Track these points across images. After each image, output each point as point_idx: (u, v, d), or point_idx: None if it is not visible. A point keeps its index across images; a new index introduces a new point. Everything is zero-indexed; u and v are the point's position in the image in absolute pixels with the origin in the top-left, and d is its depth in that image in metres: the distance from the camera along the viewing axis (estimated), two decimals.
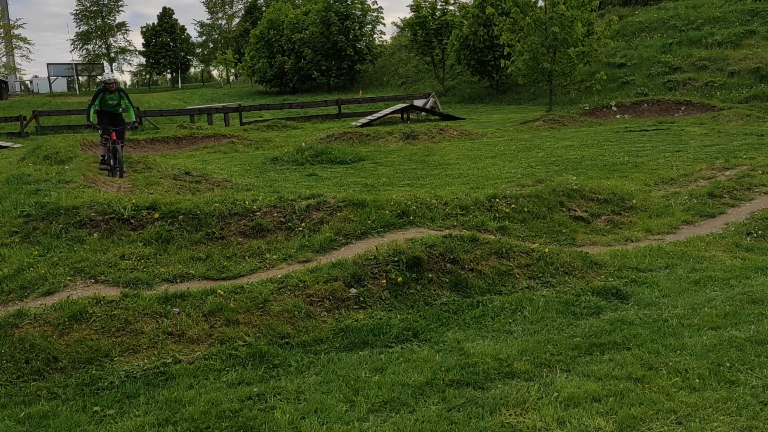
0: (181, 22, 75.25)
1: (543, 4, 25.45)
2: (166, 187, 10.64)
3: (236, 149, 18.35)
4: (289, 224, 6.95)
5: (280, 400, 3.92)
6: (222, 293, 5.24)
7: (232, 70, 69.52)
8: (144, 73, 76.77)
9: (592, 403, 3.67)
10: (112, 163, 11.69)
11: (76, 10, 73.44)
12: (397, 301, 5.43)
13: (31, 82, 67.13)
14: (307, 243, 6.54)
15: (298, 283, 5.47)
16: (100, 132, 11.60)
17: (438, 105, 28.14)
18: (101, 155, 12.01)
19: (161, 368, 4.44)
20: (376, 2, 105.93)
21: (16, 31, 62.96)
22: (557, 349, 4.45)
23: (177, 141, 19.69)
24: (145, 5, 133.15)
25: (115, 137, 11.47)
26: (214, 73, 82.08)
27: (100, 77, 73.33)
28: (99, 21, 72.72)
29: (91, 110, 11.31)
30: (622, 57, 30.85)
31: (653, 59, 29.64)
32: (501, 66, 29.38)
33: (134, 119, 12.07)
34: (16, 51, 63.73)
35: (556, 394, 3.78)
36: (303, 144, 16.72)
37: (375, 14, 49.84)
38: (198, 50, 78.18)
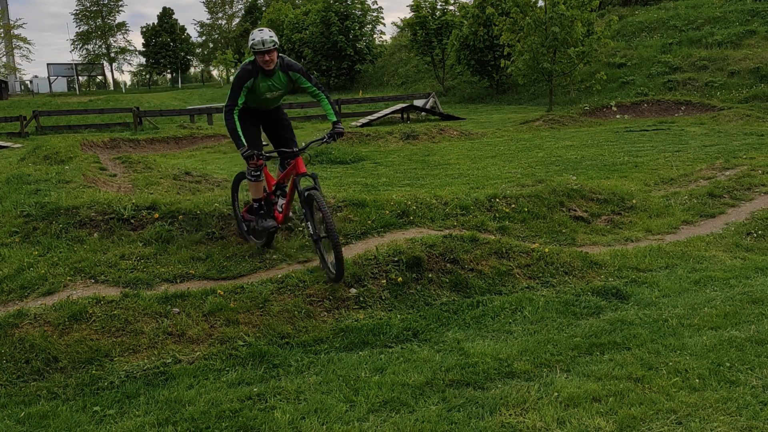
0: (181, 22, 75.33)
1: (543, 4, 25.45)
2: (166, 187, 10.63)
3: (236, 149, 18.32)
4: (289, 224, 6.94)
5: (280, 400, 3.92)
6: (222, 293, 5.24)
7: (232, 70, 69.51)
8: (144, 73, 76.76)
9: (592, 403, 3.67)
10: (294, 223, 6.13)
11: (76, 10, 73.53)
12: (397, 301, 5.43)
13: (31, 82, 67.12)
14: (306, 243, 6.54)
15: (298, 283, 5.48)
16: (250, 155, 5.57)
17: (438, 105, 28.13)
18: (254, 199, 6.10)
19: (161, 368, 4.45)
20: (376, 2, 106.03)
21: (16, 31, 63.07)
22: (557, 349, 4.46)
23: (177, 141, 19.69)
24: (145, 5, 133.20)
25: (301, 168, 5.71)
26: (214, 73, 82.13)
27: (100, 77, 73.29)
28: (99, 21, 72.76)
29: (236, 117, 5.58)
30: (622, 57, 30.85)
31: (653, 59, 29.64)
32: (501, 66, 29.39)
33: (334, 119, 5.77)
34: (16, 51, 63.81)
35: (556, 394, 3.78)
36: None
37: (375, 14, 49.92)
38: (198, 50, 78.20)
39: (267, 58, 5.42)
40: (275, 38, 5.39)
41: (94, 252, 6.32)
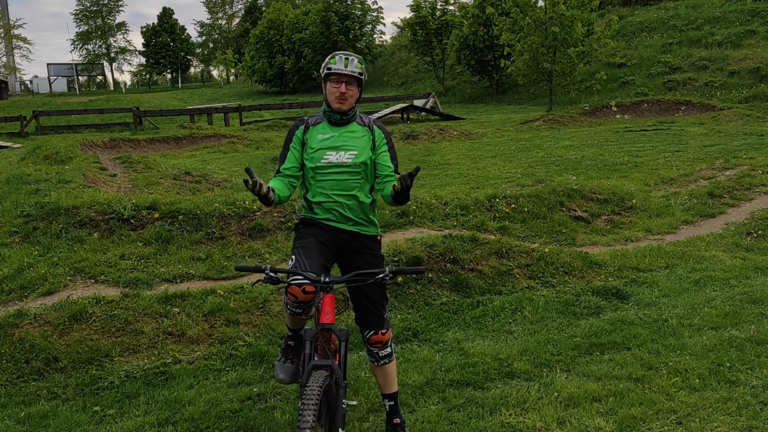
0: (181, 22, 75.33)
1: (543, 4, 25.45)
2: (166, 187, 10.63)
3: (236, 149, 18.35)
4: (289, 224, 6.94)
5: (280, 400, 3.93)
6: (222, 293, 5.24)
7: (232, 70, 69.54)
8: (144, 73, 76.77)
9: (592, 403, 3.67)
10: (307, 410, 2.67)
11: (76, 10, 73.60)
12: (397, 301, 5.43)
13: (31, 82, 67.12)
14: None
15: None
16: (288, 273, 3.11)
17: (438, 105, 28.14)
18: (288, 327, 3.56)
19: (161, 368, 4.45)
20: (376, 2, 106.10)
21: (16, 31, 63.02)
22: (557, 349, 4.46)
23: (177, 141, 19.68)
24: (145, 5, 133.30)
25: (325, 313, 3.09)
26: (214, 73, 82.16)
27: (100, 77, 73.23)
28: (99, 21, 72.78)
29: (282, 186, 3.33)
30: (622, 57, 30.86)
31: (653, 59, 29.65)
32: (501, 66, 29.41)
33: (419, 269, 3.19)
34: (16, 51, 63.78)
35: (556, 394, 3.78)
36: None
37: (375, 14, 49.91)
38: (198, 50, 78.21)
39: (343, 89, 3.29)
40: (363, 68, 3.35)
41: (94, 252, 6.32)
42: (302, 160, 3.38)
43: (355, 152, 3.33)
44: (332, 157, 3.32)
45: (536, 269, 6.07)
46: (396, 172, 3.37)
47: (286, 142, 3.43)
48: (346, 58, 3.29)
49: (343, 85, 3.29)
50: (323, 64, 3.37)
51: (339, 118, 3.36)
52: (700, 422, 3.40)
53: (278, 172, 3.38)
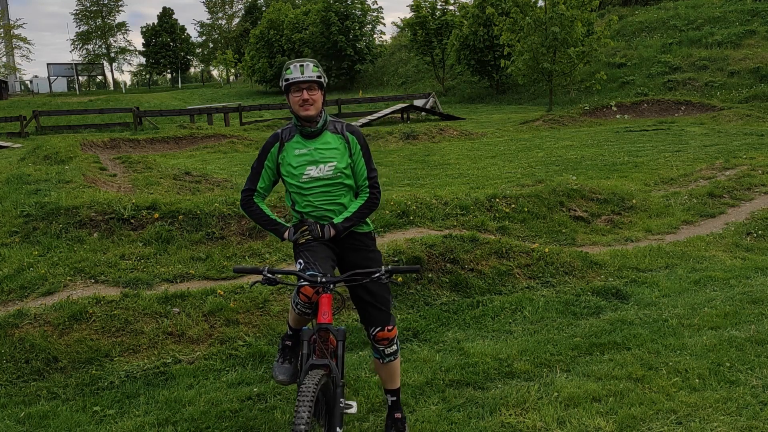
0: (181, 22, 75.33)
1: (543, 4, 25.46)
2: (166, 187, 10.63)
3: (236, 149, 18.35)
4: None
5: (280, 400, 3.93)
6: (222, 293, 5.24)
7: (232, 70, 69.54)
8: (144, 73, 76.78)
9: (592, 403, 3.67)
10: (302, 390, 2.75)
11: (76, 10, 73.66)
12: (397, 301, 5.43)
13: (31, 82, 67.13)
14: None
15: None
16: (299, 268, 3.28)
17: (438, 105, 28.14)
18: (289, 326, 3.58)
19: (161, 368, 4.45)
20: (376, 2, 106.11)
21: (16, 31, 63.06)
22: (557, 349, 4.46)
23: (177, 141, 19.69)
24: (145, 5, 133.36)
25: (323, 312, 3.10)
26: (214, 73, 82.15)
27: (100, 77, 73.23)
28: (99, 21, 72.80)
29: (257, 202, 3.54)
30: (622, 57, 30.86)
31: (653, 59, 29.65)
32: (501, 66, 29.43)
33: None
34: (16, 51, 63.80)
35: (556, 394, 3.78)
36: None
37: (375, 14, 49.96)
38: (198, 50, 78.21)
39: (305, 95, 3.30)
40: (321, 70, 3.36)
41: (94, 252, 6.32)
42: (276, 177, 3.50)
43: (334, 163, 3.38)
44: (313, 171, 3.38)
45: (536, 269, 6.07)
46: (370, 177, 3.47)
47: (261, 157, 3.47)
48: (301, 65, 3.32)
49: (304, 92, 3.31)
50: (281, 78, 3.39)
51: (310, 130, 3.39)
52: (700, 422, 3.41)
53: (254, 190, 3.49)
